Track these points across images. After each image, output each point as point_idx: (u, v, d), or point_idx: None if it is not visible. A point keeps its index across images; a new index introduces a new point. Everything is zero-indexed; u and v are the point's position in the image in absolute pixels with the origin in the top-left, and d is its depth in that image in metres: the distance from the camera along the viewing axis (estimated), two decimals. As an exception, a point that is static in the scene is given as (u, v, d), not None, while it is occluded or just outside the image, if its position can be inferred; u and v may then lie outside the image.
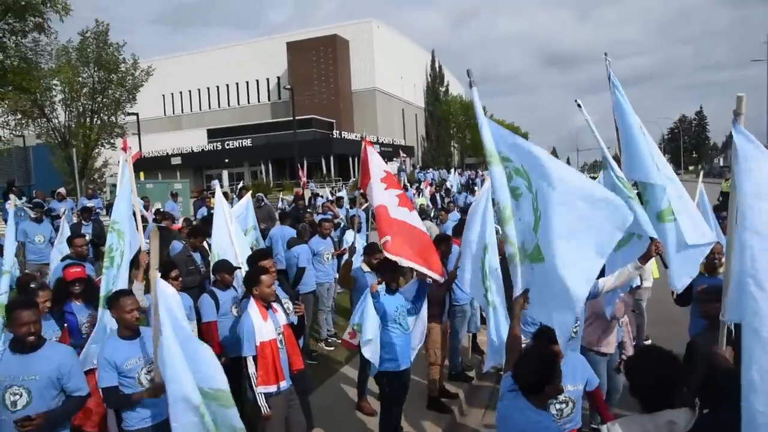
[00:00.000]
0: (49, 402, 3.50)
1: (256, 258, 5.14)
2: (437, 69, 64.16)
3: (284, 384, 4.34)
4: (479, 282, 5.20)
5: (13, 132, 25.25)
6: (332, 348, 8.36)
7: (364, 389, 6.29)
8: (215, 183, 16.52)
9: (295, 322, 4.90)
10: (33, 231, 9.45)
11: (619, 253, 4.28)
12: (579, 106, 4.44)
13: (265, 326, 4.32)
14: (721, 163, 79.33)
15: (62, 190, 14.31)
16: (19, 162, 39.33)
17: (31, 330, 3.47)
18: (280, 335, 4.43)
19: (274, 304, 4.55)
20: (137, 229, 5.37)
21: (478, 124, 3.82)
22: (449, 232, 8.12)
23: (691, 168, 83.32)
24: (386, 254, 5.26)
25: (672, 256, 4.39)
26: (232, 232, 6.13)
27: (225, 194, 16.09)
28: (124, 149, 5.74)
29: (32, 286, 4.76)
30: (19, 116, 23.01)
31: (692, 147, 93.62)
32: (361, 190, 6.29)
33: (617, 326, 5.34)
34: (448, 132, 62.89)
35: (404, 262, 5.27)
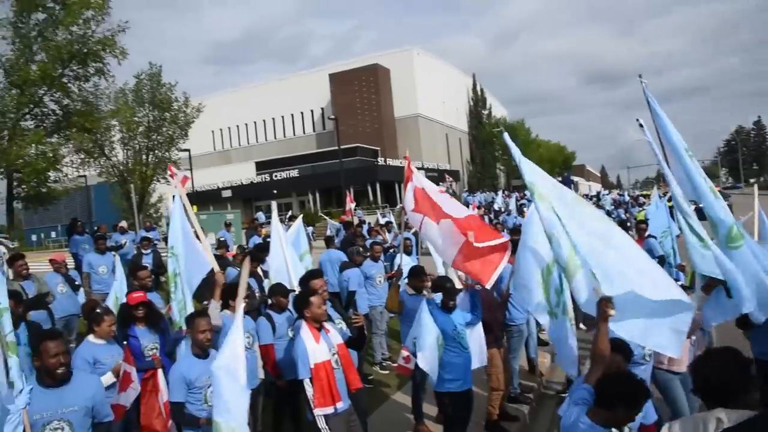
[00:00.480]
0: (89, 429, 3.57)
1: (306, 279, 5.21)
2: (479, 92, 64.27)
3: (341, 405, 4.30)
4: (542, 298, 5.13)
5: (78, 170, 26.63)
6: (386, 372, 8.32)
7: (420, 412, 6.19)
8: (260, 215, 16.91)
9: (354, 335, 4.87)
10: (97, 262, 9.86)
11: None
12: (641, 126, 4.43)
13: (318, 348, 4.32)
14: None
15: (123, 223, 14.94)
16: (82, 200, 41.39)
17: (61, 361, 3.45)
18: (335, 355, 4.40)
19: (327, 325, 4.54)
20: (203, 248, 5.52)
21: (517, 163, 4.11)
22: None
23: (752, 180, 79.99)
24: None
25: (741, 281, 4.22)
26: (287, 256, 6.25)
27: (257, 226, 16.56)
28: (172, 176, 5.99)
29: (98, 311, 4.93)
30: (83, 156, 24.25)
31: (752, 158, 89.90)
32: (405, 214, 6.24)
33: (689, 345, 5.12)
34: (493, 154, 62.60)
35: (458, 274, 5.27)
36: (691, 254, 4.34)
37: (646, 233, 9.27)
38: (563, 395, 6.48)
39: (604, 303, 3.37)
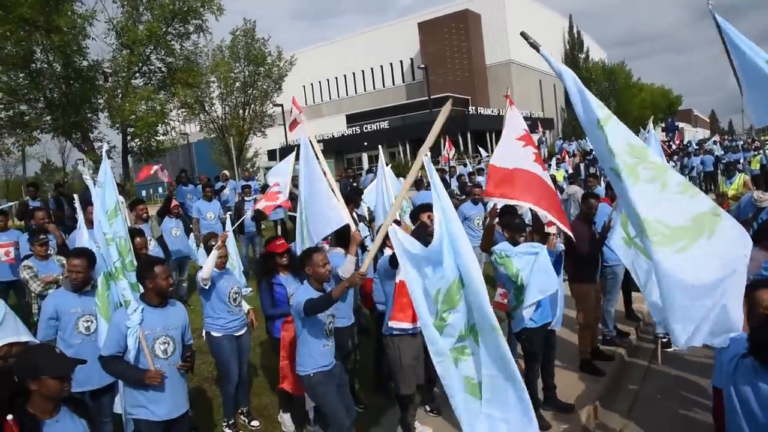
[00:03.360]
0: (182, 347, 3.99)
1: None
2: (575, 35, 60.75)
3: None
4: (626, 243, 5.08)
5: (182, 124, 28.24)
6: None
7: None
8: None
9: None
10: (205, 208, 10.58)
11: None
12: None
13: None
14: None
15: (226, 172, 15.96)
16: (184, 156, 44.04)
17: (170, 282, 3.93)
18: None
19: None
20: (336, 205, 5.57)
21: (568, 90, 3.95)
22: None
23: None
24: (503, 200, 5.17)
25: None
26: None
27: (368, 170, 16.86)
28: (299, 110, 6.15)
29: (211, 243, 5.34)
30: (186, 111, 25.64)
31: None
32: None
33: None
34: (590, 100, 59.50)
35: (523, 204, 5.17)
36: None
37: None
38: (664, 340, 6.28)
39: None
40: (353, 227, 5.33)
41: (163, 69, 20.71)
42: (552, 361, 5.49)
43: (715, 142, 34.85)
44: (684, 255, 3.17)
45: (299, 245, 5.72)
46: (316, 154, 5.74)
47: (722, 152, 25.25)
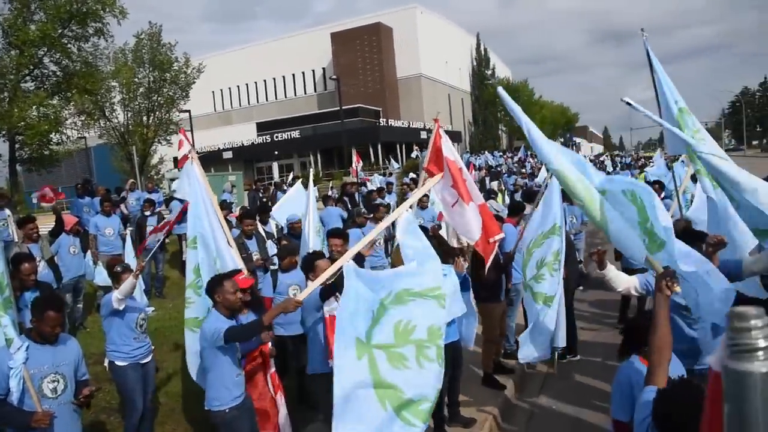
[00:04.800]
0: (74, 385, 3.83)
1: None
2: (482, 52, 63.39)
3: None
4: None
5: (80, 132, 26.60)
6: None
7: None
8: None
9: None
10: (103, 224, 10.05)
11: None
12: (629, 104, 4.37)
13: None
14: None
15: (133, 180, 15.25)
16: (82, 162, 41.40)
17: (57, 331, 3.73)
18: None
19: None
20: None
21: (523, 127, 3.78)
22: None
23: (754, 143, 79.40)
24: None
25: None
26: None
27: (278, 184, 16.65)
28: (185, 138, 5.95)
29: (117, 269, 5.12)
30: (83, 118, 24.18)
31: (756, 121, 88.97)
32: (425, 174, 6.29)
33: None
34: (495, 115, 62.15)
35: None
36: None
37: (662, 195, 9.32)
38: (559, 352, 6.72)
39: (667, 279, 2.87)
40: (245, 272, 5.18)
41: (58, 73, 19.36)
42: (458, 378, 5.70)
43: (607, 155, 37.51)
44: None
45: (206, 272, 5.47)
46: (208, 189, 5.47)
47: (612, 168, 27.27)
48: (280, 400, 4.76)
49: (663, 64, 5.23)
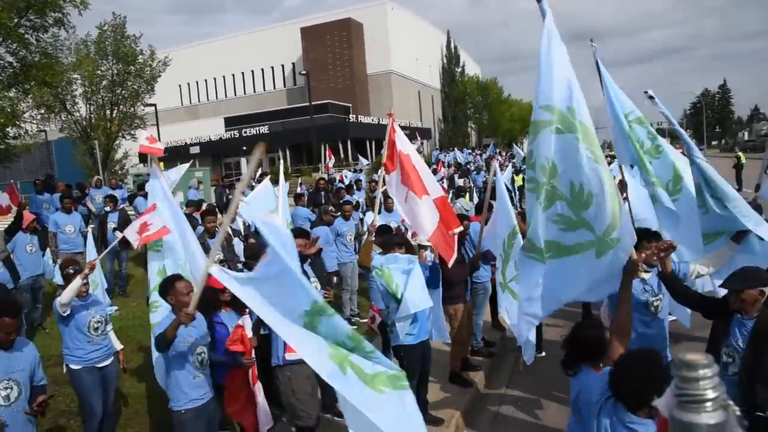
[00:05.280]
0: (28, 391, 3.70)
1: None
2: (453, 49, 63.77)
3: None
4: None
5: (39, 126, 25.73)
6: (355, 327, 8.56)
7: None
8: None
9: None
10: (63, 221, 9.75)
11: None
12: (652, 97, 4.79)
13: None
14: (746, 137, 77.50)
15: (99, 177, 14.79)
16: (42, 157, 40.18)
17: (12, 336, 3.61)
18: None
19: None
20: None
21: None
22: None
23: (714, 143, 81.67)
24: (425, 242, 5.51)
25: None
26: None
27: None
28: (152, 143, 5.76)
29: (70, 270, 4.93)
30: (43, 111, 23.38)
31: (715, 122, 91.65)
32: (384, 166, 6.28)
33: None
34: (465, 112, 62.61)
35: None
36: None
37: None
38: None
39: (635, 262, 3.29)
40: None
41: (15, 64, 18.57)
42: (427, 377, 5.68)
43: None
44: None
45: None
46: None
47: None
48: (259, 393, 4.62)
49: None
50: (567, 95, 3.21)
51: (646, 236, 4.05)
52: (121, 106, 27.74)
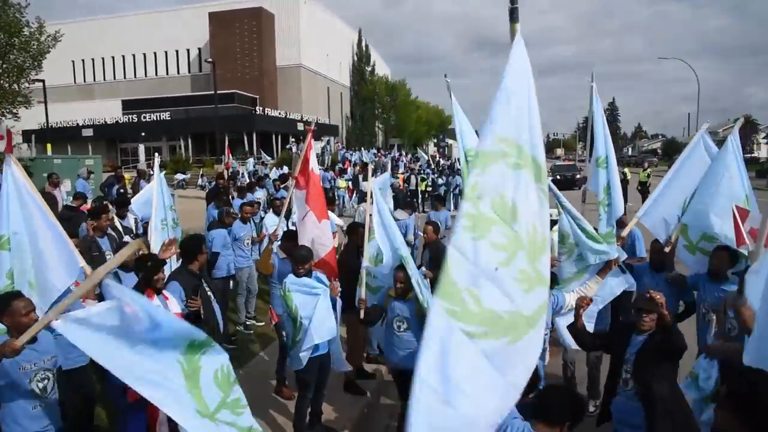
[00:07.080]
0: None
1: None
2: (364, 48, 64.07)
3: None
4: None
5: None
6: (251, 332, 8.44)
7: (283, 374, 6.36)
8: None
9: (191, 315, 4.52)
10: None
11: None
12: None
13: None
14: (630, 153, 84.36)
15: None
16: None
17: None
18: None
19: (166, 292, 4.52)
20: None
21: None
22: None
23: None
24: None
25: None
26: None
27: (141, 171, 15.50)
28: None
29: None
30: None
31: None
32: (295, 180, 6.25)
33: None
34: (373, 112, 63.14)
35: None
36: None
37: None
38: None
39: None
40: (87, 269, 4.68)
41: None
42: (323, 388, 5.56)
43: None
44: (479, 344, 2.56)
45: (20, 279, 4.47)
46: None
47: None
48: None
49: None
50: (527, 129, 2.86)
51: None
52: (2, 81, 25.39)
